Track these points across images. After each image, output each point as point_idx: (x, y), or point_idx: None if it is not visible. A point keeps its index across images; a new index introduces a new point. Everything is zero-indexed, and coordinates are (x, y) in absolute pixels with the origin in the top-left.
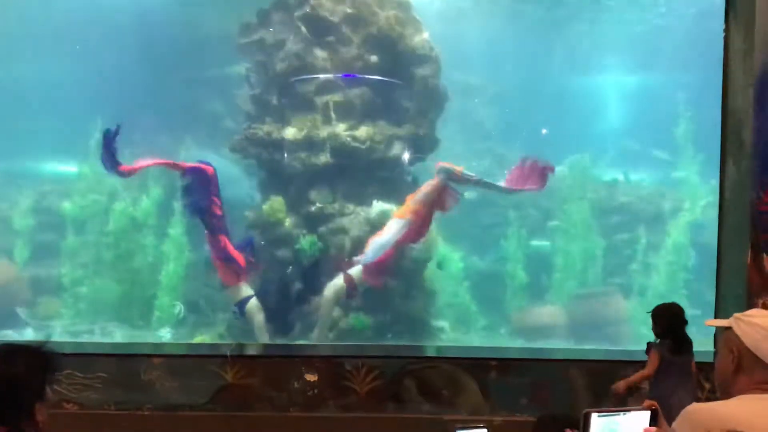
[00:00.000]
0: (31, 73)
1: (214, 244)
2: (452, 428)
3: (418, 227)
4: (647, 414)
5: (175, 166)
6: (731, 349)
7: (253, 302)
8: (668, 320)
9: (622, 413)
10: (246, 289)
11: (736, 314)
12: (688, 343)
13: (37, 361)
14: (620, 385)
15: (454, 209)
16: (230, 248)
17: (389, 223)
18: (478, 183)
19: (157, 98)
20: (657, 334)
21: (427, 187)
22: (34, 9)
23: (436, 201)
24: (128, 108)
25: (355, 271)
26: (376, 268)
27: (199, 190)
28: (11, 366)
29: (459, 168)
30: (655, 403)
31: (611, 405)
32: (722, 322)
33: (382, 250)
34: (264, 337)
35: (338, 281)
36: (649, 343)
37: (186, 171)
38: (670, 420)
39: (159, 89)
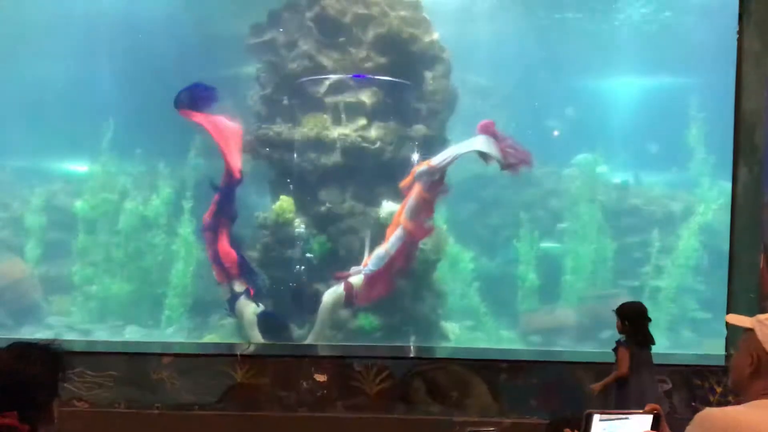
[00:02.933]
0: (43, 74)
1: (212, 244)
2: (463, 431)
3: (416, 234)
4: (649, 418)
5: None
6: (750, 353)
7: (243, 300)
8: (636, 318)
9: (624, 416)
10: (238, 287)
11: (759, 316)
12: (651, 339)
13: (51, 359)
14: (596, 386)
15: (464, 211)
16: (224, 248)
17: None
18: (454, 159)
19: (167, 98)
20: (624, 332)
21: (410, 198)
22: (46, 10)
23: (425, 203)
24: (139, 108)
25: (356, 280)
26: (377, 279)
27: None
28: (29, 365)
29: (432, 161)
30: (658, 406)
31: (597, 407)
32: (744, 321)
33: (382, 261)
34: (255, 335)
35: (338, 289)
36: (617, 342)
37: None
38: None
39: (169, 89)
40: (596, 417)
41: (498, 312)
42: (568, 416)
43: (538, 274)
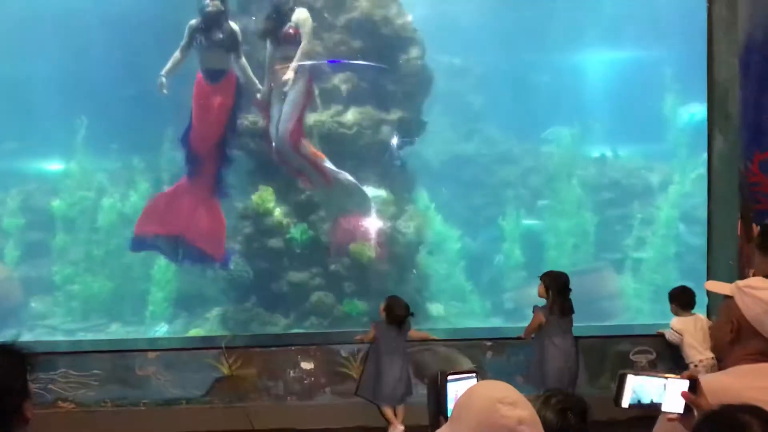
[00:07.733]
0: (14, 71)
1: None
2: (444, 378)
3: None
4: (686, 383)
5: None
6: (731, 319)
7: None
8: (560, 288)
9: (661, 377)
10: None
11: (739, 282)
12: (571, 308)
13: (15, 360)
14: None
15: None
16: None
17: None
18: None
19: (140, 92)
20: (546, 298)
21: None
22: (17, 6)
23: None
24: (112, 103)
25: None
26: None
27: None
28: None
29: None
30: (695, 374)
31: None
32: (724, 288)
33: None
34: None
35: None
36: (535, 307)
37: None
38: (545, 379)
39: (142, 82)
40: (631, 377)
41: (482, 290)
42: (557, 392)
43: (521, 251)
